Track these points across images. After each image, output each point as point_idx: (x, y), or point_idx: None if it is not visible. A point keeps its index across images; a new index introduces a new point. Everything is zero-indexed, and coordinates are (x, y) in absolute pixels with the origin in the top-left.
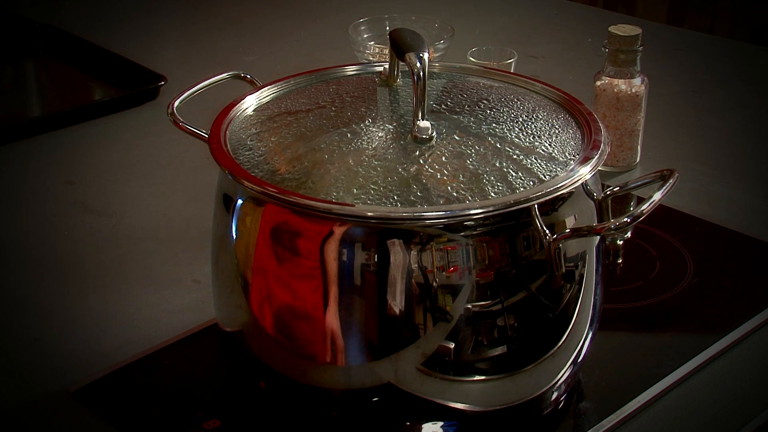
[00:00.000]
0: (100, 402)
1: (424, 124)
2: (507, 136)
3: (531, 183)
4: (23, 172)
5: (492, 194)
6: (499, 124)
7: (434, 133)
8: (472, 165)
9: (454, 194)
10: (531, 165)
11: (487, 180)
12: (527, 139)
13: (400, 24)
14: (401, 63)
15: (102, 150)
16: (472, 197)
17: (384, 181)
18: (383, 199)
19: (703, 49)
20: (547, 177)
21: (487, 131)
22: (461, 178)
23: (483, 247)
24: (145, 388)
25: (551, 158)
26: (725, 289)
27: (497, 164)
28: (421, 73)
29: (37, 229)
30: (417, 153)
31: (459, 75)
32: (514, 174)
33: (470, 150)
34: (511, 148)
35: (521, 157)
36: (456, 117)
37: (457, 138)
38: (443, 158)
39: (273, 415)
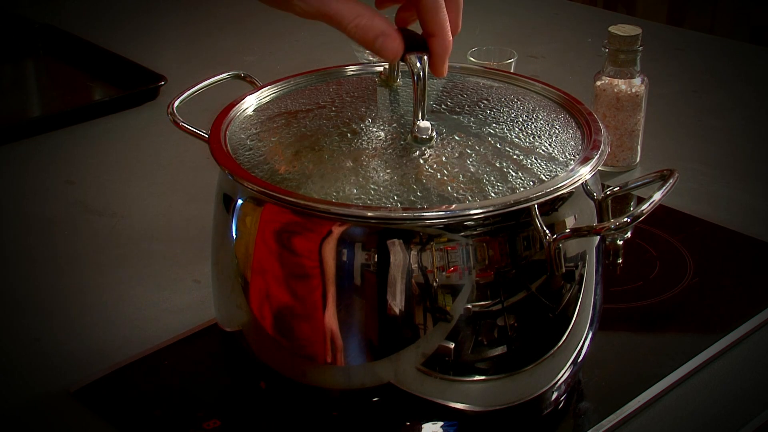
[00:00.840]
0: (100, 402)
1: (425, 124)
2: (507, 136)
3: (531, 183)
4: (23, 172)
5: (492, 194)
6: (499, 125)
7: (434, 134)
8: (473, 165)
9: (455, 194)
10: (531, 165)
11: (487, 180)
12: (527, 140)
13: None
14: (401, 63)
15: (102, 150)
16: (472, 197)
17: (384, 181)
18: (383, 199)
19: (703, 49)
20: (547, 177)
21: (487, 131)
22: (461, 179)
23: (483, 247)
24: (145, 388)
25: (551, 158)
26: (725, 289)
27: (497, 164)
28: (421, 73)
29: (37, 229)
30: (417, 153)
31: (459, 75)
32: (514, 174)
33: (470, 150)
34: (511, 149)
35: (521, 157)
36: (456, 117)
37: (457, 138)
38: (443, 158)
39: (273, 415)
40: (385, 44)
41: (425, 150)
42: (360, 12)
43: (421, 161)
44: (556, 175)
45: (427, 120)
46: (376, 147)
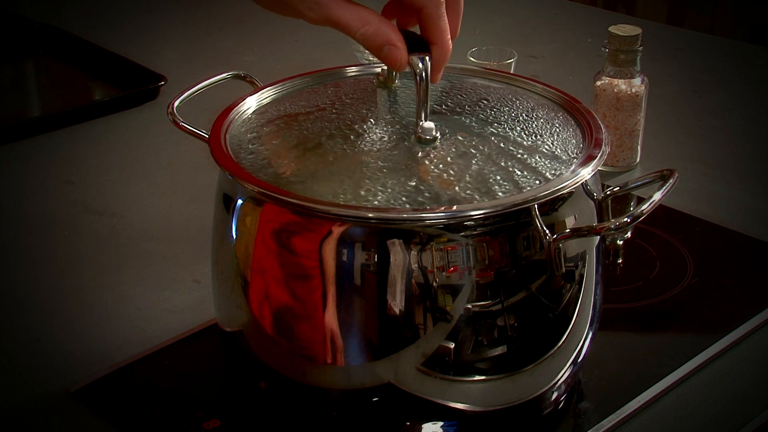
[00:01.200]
0: (100, 402)
1: (428, 124)
2: (509, 135)
3: (537, 182)
4: (23, 172)
5: (500, 194)
6: (501, 124)
7: (438, 134)
8: (478, 165)
9: (462, 194)
10: (536, 164)
11: (493, 180)
12: (530, 138)
13: None
14: None
15: (102, 150)
16: (480, 197)
17: (392, 183)
18: (392, 201)
19: (703, 49)
20: (552, 175)
21: (489, 131)
22: (467, 179)
23: (483, 247)
24: (145, 388)
25: (555, 156)
26: (725, 289)
27: (502, 163)
28: (424, 74)
29: (37, 229)
30: (422, 154)
31: (459, 75)
32: (519, 173)
33: (474, 150)
34: (514, 147)
35: (525, 156)
36: (457, 117)
37: (460, 138)
38: (448, 158)
39: (273, 415)
40: (391, 53)
41: (430, 150)
42: (368, 19)
43: (427, 162)
44: (561, 173)
45: (430, 121)
46: (381, 148)
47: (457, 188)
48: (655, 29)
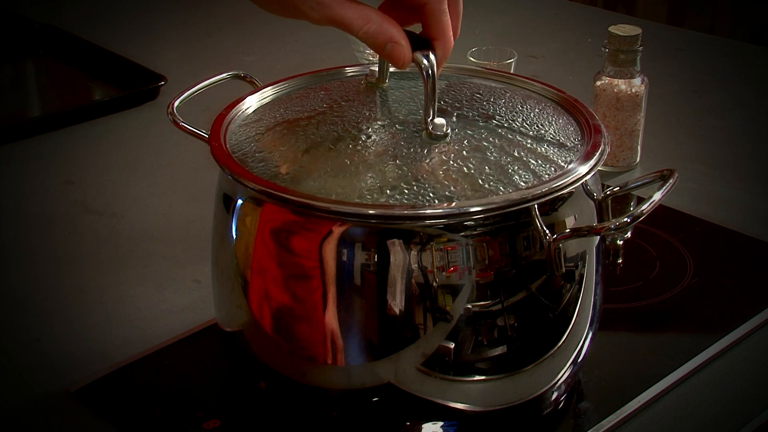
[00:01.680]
0: (100, 402)
1: (439, 120)
2: (514, 126)
3: (553, 170)
4: (23, 172)
5: (521, 184)
6: (502, 117)
7: (449, 130)
8: (494, 157)
9: (486, 186)
10: (546, 152)
11: (512, 170)
12: (532, 129)
13: None
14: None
15: (102, 150)
16: (504, 188)
17: (416, 180)
18: (419, 198)
19: (703, 49)
20: (564, 163)
21: (494, 124)
22: (488, 170)
23: (483, 247)
24: (145, 388)
25: (561, 144)
26: (725, 289)
27: (516, 154)
28: (430, 71)
29: (37, 229)
30: (437, 150)
31: (458, 75)
32: (534, 162)
33: (486, 143)
34: (522, 138)
35: (534, 145)
36: (459, 113)
37: (470, 132)
38: (464, 152)
39: (273, 415)
40: (395, 51)
41: (444, 146)
42: (370, 17)
43: (444, 157)
44: (572, 161)
45: (440, 117)
46: (395, 147)
47: (480, 181)
48: (655, 29)
